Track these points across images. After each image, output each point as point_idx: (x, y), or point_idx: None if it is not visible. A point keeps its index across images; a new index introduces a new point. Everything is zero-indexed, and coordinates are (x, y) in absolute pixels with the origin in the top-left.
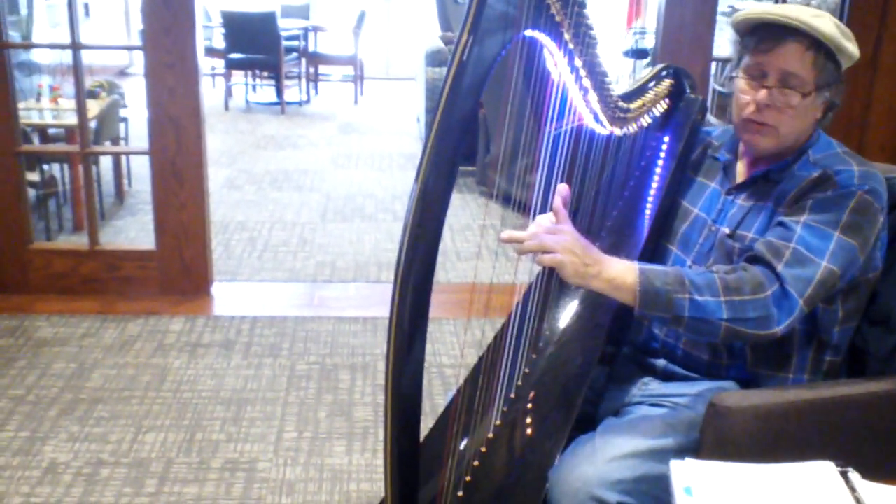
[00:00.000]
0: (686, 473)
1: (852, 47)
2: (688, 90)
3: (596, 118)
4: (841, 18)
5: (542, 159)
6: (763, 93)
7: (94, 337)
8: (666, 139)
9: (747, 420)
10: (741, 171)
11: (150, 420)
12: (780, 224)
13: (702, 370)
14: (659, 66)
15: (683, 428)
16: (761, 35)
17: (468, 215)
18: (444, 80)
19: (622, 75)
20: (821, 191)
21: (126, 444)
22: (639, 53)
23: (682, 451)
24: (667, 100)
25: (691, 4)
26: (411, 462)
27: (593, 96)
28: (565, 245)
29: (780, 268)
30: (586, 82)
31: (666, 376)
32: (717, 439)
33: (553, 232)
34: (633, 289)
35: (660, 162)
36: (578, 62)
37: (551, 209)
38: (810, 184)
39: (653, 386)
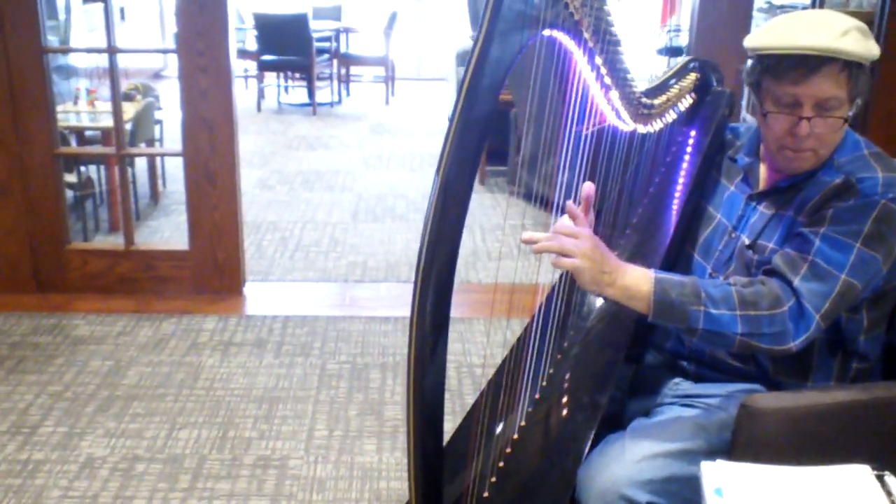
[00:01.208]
0: (717, 475)
1: (876, 49)
2: (714, 83)
3: (618, 115)
4: (882, 15)
5: (568, 159)
6: (804, 126)
7: (129, 335)
8: (692, 134)
9: (780, 422)
10: (763, 175)
11: (183, 417)
12: (800, 235)
13: (729, 374)
14: (684, 60)
15: (715, 429)
16: (788, 63)
17: (499, 215)
18: (461, 79)
19: (656, 73)
20: (842, 200)
21: (161, 441)
22: (673, 51)
23: (713, 453)
24: (692, 94)
25: (725, 2)
26: (435, 462)
27: (615, 94)
28: (584, 251)
29: (796, 282)
30: (608, 80)
31: (697, 377)
32: (748, 441)
33: (573, 235)
34: (648, 298)
35: (686, 157)
36: (599, 60)
37: (578, 204)
38: (832, 192)
39: (684, 386)
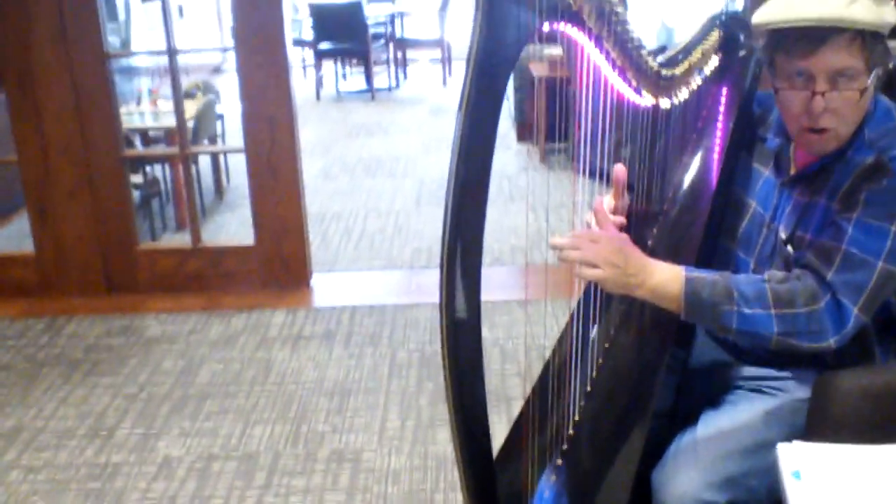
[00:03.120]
0: (794, 457)
1: (892, 15)
2: (742, 39)
3: (638, 92)
4: None
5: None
6: (818, 101)
7: (200, 333)
8: (722, 97)
9: (858, 400)
10: (794, 157)
11: (257, 413)
12: (833, 224)
13: (787, 364)
14: (708, 17)
15: (787, 415)
16: (796, 35)
17: (561, 193)
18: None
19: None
20: (874, 182)
21: (235, 438)
22: None
23: (788, 439)
24: (719, 54)
25: None
26: (483, 452)
27: (631, 72)
28: (606, 257)
29: (830, 275)
30: (620, 61)
31: (758, 359)
32: (825, 421)
33: (594, 241)
34: (678, 299)
35: (718, 124)
36: (608, 44)
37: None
38: (863, 173)
39: (747, 369)
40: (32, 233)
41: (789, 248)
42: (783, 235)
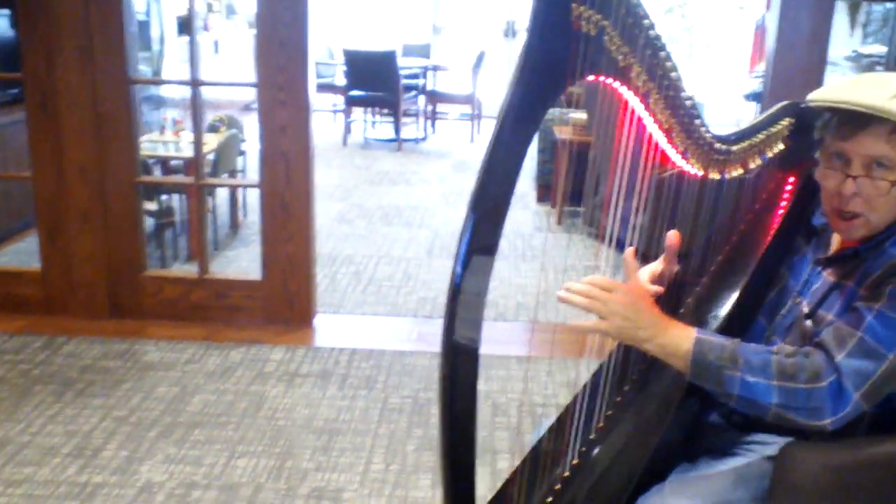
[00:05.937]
0: None
1: None
2: (814, 131)
3: (685, 159)
4: None
5: (644, 201)
6: (849, 184)
7: (197, 363)
8: (788, 181)
9: (819, 472)
10: (836, 238)
11: (243, 445)
12: (855, 310)
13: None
14: (782, 104)
15: (755, 479)
16: (841, 118)
17: (574, 255)
18: (494, 127)
19: (743, 119)
20: None
21: (219, 468)
22: (760, 97)
23: (755, 502)
24: (788, 141)
25: (801, 49)
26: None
27: (680, 136)
28: (616, 309)
29: (839, 358)
30: (669, 122)
31: (744, 424)
32: (787, 491)
33: (607, 289)
34: (686, 358)
35: (779, 206)
36: (656, 106)
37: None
38: (892, 268)
39: (729, 433)
40: (41, 251)
41: (809, 322)
42: (805, 310)
